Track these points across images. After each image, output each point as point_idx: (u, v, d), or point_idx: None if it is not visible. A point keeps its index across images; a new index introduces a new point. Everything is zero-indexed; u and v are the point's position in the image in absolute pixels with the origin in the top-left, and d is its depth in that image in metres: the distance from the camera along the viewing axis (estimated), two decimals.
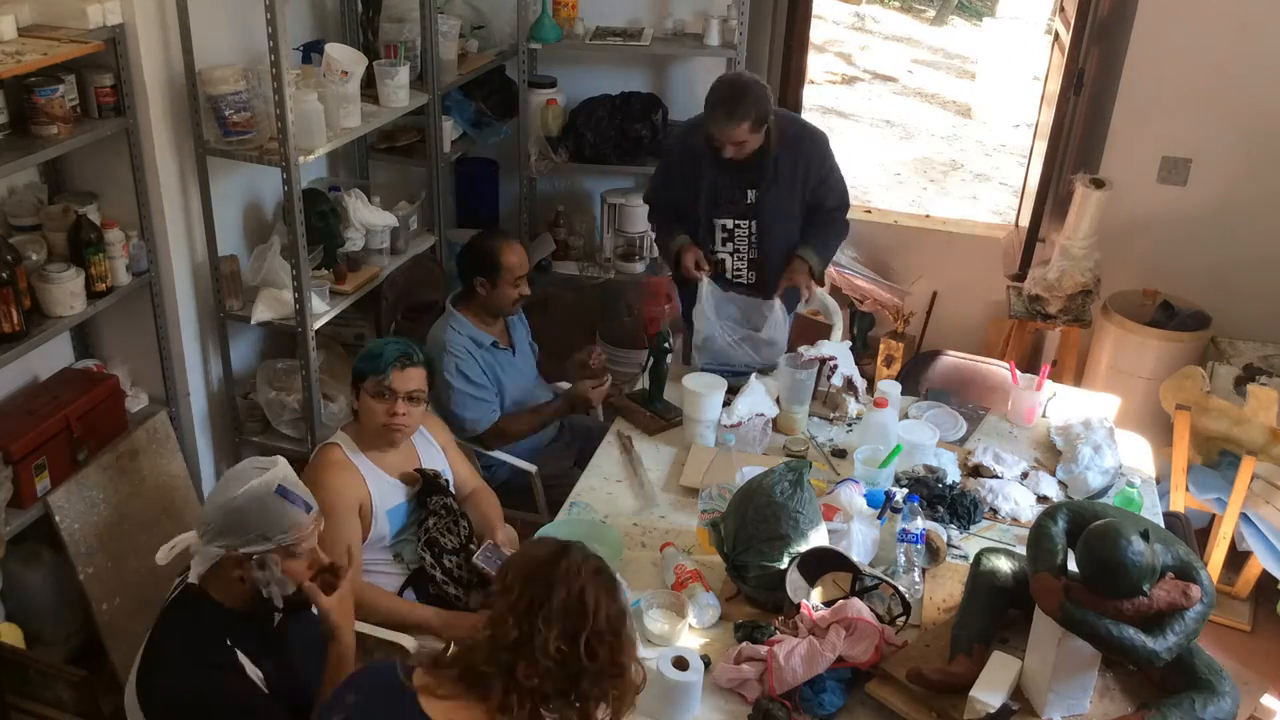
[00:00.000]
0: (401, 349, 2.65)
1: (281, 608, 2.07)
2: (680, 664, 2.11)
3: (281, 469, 2.04)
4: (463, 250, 3.23)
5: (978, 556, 2.31)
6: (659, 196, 3.54)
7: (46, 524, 2.97)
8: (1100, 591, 1.95)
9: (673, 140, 3.59)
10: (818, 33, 10.61)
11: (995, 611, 2.22)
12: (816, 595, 2.36)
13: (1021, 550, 2.27)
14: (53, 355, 3.20)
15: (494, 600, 1.72)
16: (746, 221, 3.37)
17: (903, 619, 2.30)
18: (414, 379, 2.64)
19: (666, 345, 3.17)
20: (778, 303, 3.28)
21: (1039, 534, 2.13)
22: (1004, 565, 2.26)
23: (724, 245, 3.42)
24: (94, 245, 2.97)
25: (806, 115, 4.29)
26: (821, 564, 2.38)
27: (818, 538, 2.38)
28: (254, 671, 2.02)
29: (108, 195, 3.14)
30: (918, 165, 8.25)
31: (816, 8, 4.61)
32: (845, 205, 3.46)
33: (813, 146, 3.34)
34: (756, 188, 3.30)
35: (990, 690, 2.03)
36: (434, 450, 2.83)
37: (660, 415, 3.12)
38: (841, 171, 3.44)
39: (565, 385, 3.40)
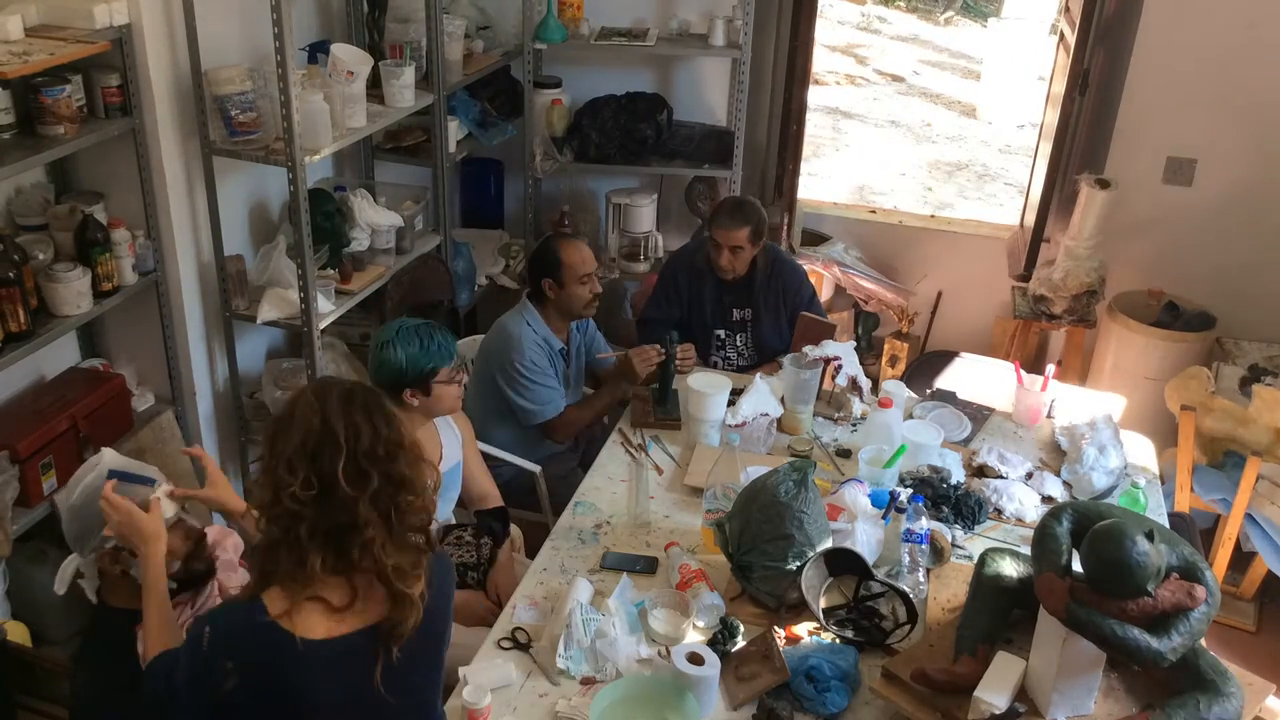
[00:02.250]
0: (449, 345, 2.68)
1: (176, 587, 2.03)
2: (695, 660, 2.12)
3: (108, 457, 2.05)
4: (529, 258, 3.38)
5: (982, 557, 2.31)
6: (658, 313, 3.71)
7: (53, 523, 2.96)
8: (1105, 592, 1.95)
9: (674, 258, 3.86)
10: (827, 34, 10.61)
11: (999, 612, 2.22)
12: (822, 601, 2.36)
13: (1026, 551, 2.27)
14: (59, 354, 3.21)
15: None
16: (736, 335, 3.70)
17: (908, 627, 2.31)
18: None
19: (673, 345, 3.17)
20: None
21: (1043, 534, 2.13)
22: (1008, 566, 2.26)
23: (717, 352, 3.73)
24: (100, 245, 2.97)
25: (812, 116, 4.30)
26: (839, 563, 2.38)
27: (822, 538, 2.39)
28: None
29: (114, 195, 3.15)
30: (930, 167, 8.23)
31: (824, 8, 4.62)
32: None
33: (792, 272, 3.71)
34: (751, 306, 3.65)
35: (994, 691, 2.03)
36: (454, 439, 2.85)
37: (666, 415, 3.13)
38: (819, 300, 3.85)
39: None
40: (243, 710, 1.70)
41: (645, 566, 2.52)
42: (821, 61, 9.90)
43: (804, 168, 4.70)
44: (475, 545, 2.76)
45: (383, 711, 1.77)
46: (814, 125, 8.34)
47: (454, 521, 2.87)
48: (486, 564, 2.75)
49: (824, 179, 7.74)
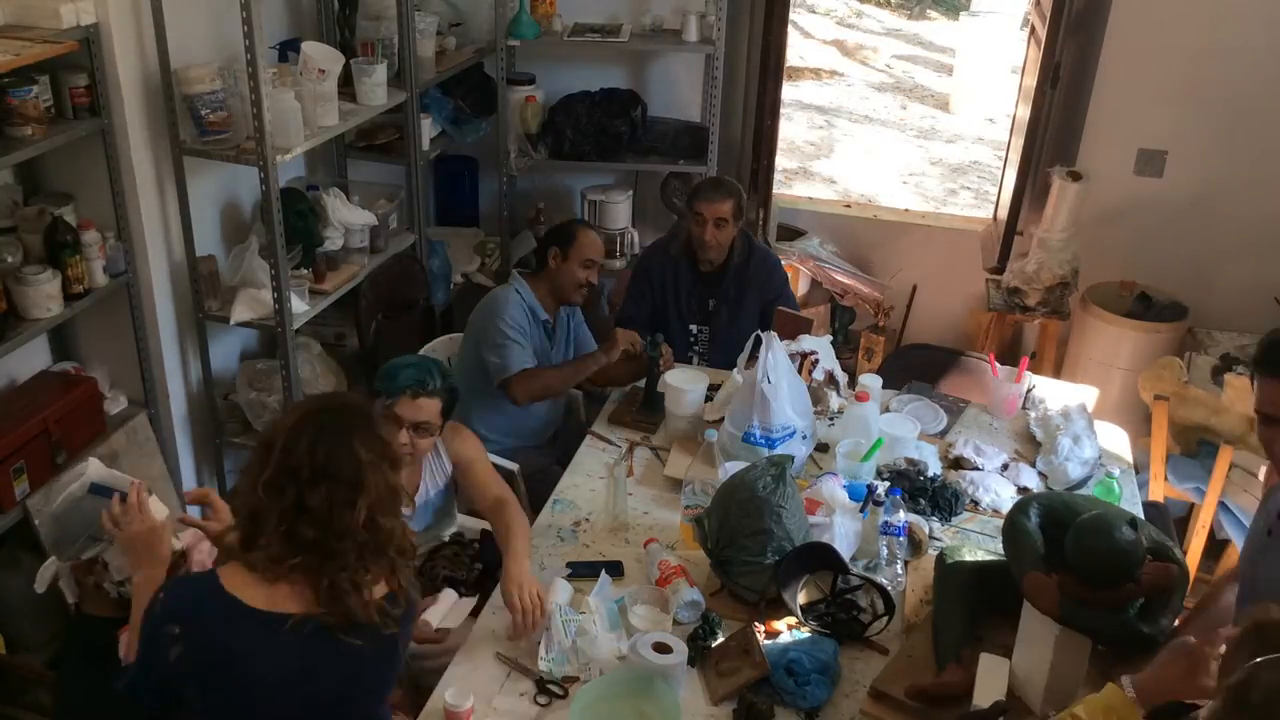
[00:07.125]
0: (417, 375, 2.48)
1: None
2: (662, 649, 2.12)
3: (93, 468, 2.03)
4: (547, 230, 3.47)
5: (938, 561, 2.31)
6: (636, 310, 3.63)
7: (25, 528, 2.94)
8: (1098, 584, 1.96)
9: (647, 251, 3.84)
10: (811, 28, 10.62)
11: (969, 611, 2.21)
12: (800, 596, 2.36)
13: (997, 544, 2.28)
14: (30, 358, 3.18)
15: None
16: (707, 327, 3.66)
17: (885, 619, 2.31)
18: (425, 410, 2.49)
19: (658, 348, 3.15)
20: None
21: (1015, 531, 2.13)
22: (966, 563, 2.26)
23: (692, 348, 3.68)
24: (70, 247, 2.94)
25: (787, 111, 4.31)
26: (813, 560, 2.39)
27: (801, 532, 2.39)
28: None
29: (84, 196, 3.12)
30: (931, 165, 8.24)
31: (799, 3, 4.62)
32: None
33: (764, 260, 3.66)
34: (719, 298, 3.60)
35: (990, 698, 1.98)
36: (442, 468, 2.74)
37: (649, 418, 3.11)
38: (794, 296, 3.79)
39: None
40: (190, 702, 1.71)
41: (611, 571, 2.46)
42: (805, 58, 9.91)
43: (812, 169, 4.68)
44: (468, 565, 2.70)
45: (321, 712, 1.78)
46: (804, 125, 8.34)
47: (452, 538, 2.82)
48: (473, 583, 2.69)
49: (827, 182, 7.62)
